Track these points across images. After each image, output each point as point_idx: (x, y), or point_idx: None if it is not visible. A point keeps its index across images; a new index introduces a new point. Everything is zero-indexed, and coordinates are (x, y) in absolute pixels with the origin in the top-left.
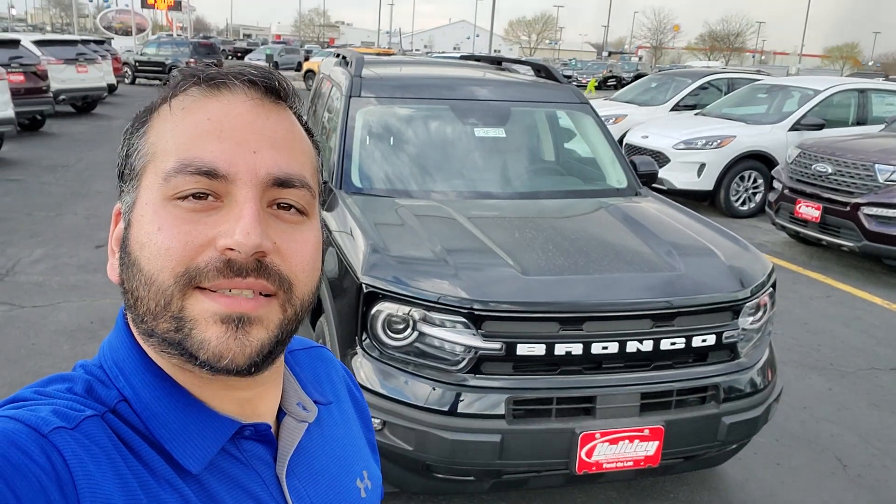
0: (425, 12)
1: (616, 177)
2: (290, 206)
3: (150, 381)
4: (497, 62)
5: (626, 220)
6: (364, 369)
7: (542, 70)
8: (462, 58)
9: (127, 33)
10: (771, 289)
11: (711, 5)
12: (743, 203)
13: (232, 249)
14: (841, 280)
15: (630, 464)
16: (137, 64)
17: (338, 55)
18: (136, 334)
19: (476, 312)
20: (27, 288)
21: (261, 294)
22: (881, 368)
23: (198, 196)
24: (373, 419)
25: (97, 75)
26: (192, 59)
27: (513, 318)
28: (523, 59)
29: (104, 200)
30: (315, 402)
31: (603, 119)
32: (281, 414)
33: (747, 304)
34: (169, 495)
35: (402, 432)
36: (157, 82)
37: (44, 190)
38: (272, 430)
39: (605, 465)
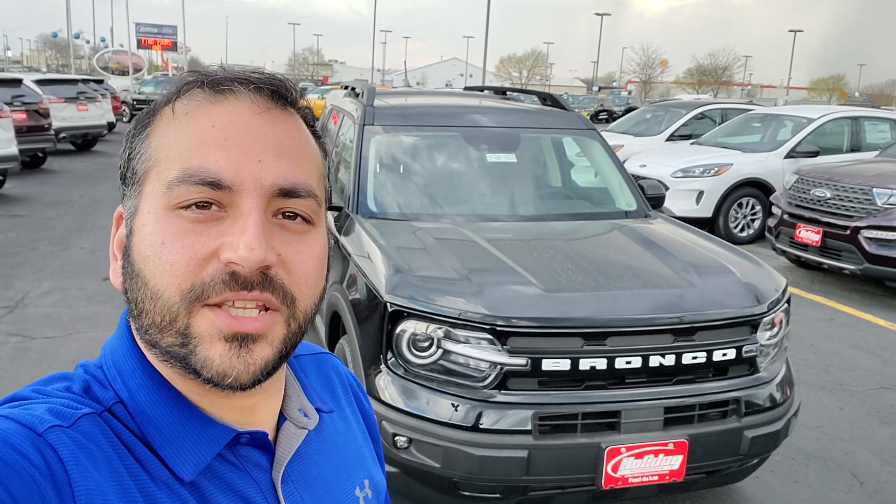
0: (417, 50)
1: (626, 200)
2: (295, 215)
3: (147, 385)
4: (502, 92)
5: (641, 239)
6: (389, 388)
7: (547, 98)
8: (466, 89)
9: (123, 73)
10: (786, 305)
11: (698, 41)
12: (742, 230)
13: (236, 263)
14: (844, 303)
15: (655, 478)
16: (135, 102)
17: (346, 87)
18: (137, 340)
19: (501, 329)
20: (37, 320)
21: (265, 308)
22: (890, 387)
23: (201, 205)
24: (399, 437)
25: (97, 113)
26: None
27: (537, 334)
28: (528, 89)
29: (109, 235)
30: (317, 409)
31: None
32: (282, 419)
33: (764, 320)
34: (166, 497)
35: (428, 449)
36: None
37: (48, 225)
38: (270, 436)
39: (630, 480)
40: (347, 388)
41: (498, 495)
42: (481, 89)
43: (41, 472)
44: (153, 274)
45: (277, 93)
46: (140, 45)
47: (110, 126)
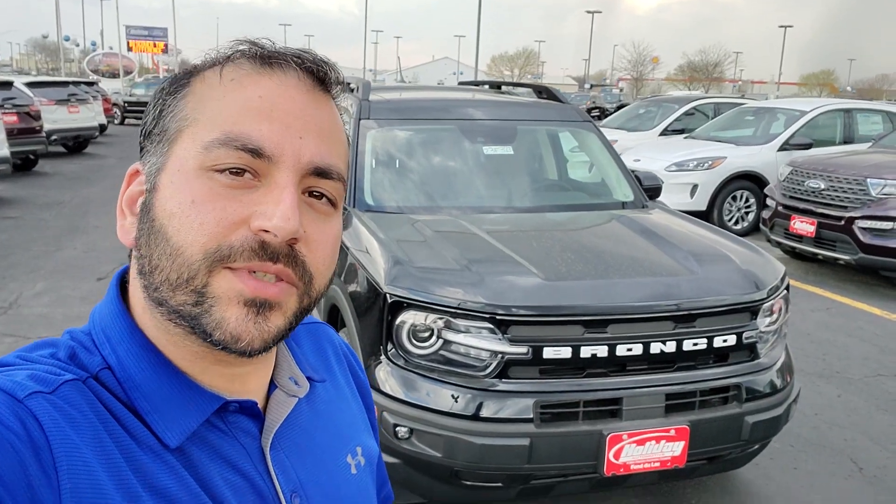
0: (408, 50)
1: (623, 191)
2: (321, 196)
3: (136, 351)
4: (497, 86)
5: (640, 229)
6: (390, 379)
7: (543, 91)
8: (461, 83)
9: (114, 76)
10: (785, 291)
11: (689, 37)
12: (736, 222)
13: (267, 231)
14: (838, 293)
15: (657, 465)
16: (126, 105)
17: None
18: (139, 301)
19: (502, 317)
20: (32, 320)
21: (282, 280)
22: (886, 375)
23: (234, 172)
24: (400, 427)
25: (88, 115)
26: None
27: (538, 323)
28: (523, 82)
29: (102, 235)
30: (308, 378)
31: None
32: (272, 387)
33: (764, 306)
34: (151, 462)
35: (430, 439)
36: None
37: (41, 226)
38: (260, 405)
39: (632, 467)
40: (342, 358)
41: (500, 484)
42: (476, 84)
43: (21, 439)
44: (177, 230)
45: (323, 75)
46: (129, 48)
47: (102, 128)
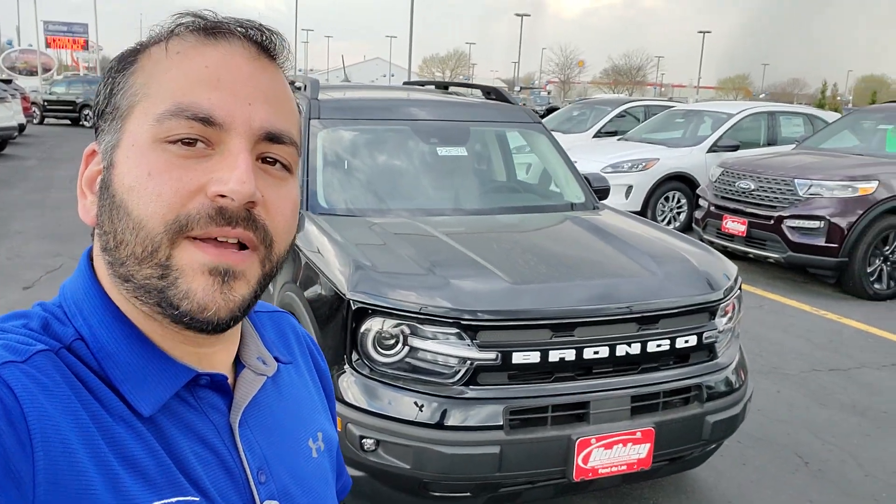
0: (339, 49)
1: (574, 192)
2: (275, 161)
3: (110, 322)
4: (444, 86)
5: (596, 230)
6: (354, 389)
7: (492, 92)
8: (405, 83)
9: (32, 73)
10: (738, 291)
11: (614, 41)
12: (669, 222)
13: (224, 197)
14: (769, 290)
15: (624, 468)
16: (46, 103)
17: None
18: (105, 276)
19: (472, 323)
20: None
21: (244, 247)
22: (821, 370)
23: (187, 142)
24: (366, 439)
25: (7, 115)
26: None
27: (507, 327)
28: (471, 83)
29: (25, 240)
30: (276, 358)
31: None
32: (240, 367)
33: (721, 306)
34: (123, 431)
35: (397, 450)
36: (67, 122)
37: None
38: (228, 381)
39: (600, 471)
40: (303, 345)
41: (468, 494)
42: (422, 84)
43: None
44: (137, 204)
45: (268, 43)
46: (48, 45)
47: (21, 128)
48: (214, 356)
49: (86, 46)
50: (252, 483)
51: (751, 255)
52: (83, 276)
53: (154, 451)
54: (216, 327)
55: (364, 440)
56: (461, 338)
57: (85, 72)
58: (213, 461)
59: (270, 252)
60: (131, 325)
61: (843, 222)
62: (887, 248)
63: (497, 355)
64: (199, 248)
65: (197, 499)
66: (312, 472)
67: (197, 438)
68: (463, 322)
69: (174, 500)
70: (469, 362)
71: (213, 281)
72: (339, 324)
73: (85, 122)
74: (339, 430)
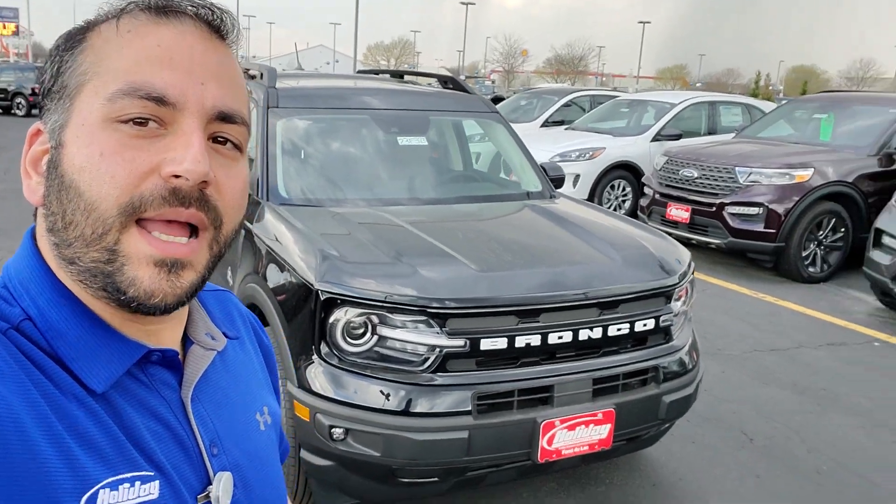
0: (282, 36)
1: (531, 181)
2: (226, 141)
3: (58, 300)
4: (399, 75)
5: (555, 218)
6: (323, 379)
7: (449, 81)
8: (360, 72)
9: None
10: (692, 275)
11: (557, 31)
12: (615, 210)
13: (178, 177)
14: (711, 275)
15: (586, 448)
16: None
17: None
18: (51, 257)
19: (440, 311)
20: None
21: (192, 234)
22: (762, 350)
23: (138, 122)
24: (335, 429)
25: None
26: (38, 85)
27: (476, 315)
28: (428, 72)
29: None
30: (224, 334)
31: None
32: (188, 343)
33: (676, 289)
34: (76, 409)
35: (367, 439)
36: None
37: None
38: (179, 356)
39: (564, 452)
40: (247, 322)
41: (436, 479)
42: (377, 72)
43: None
44: (90, 185)
45: (219, 22)
46: None
47: None
48: (162, 332)
49: (16, 32)
50: (205, 456)
51: (693, 242)
52: (28, 256)
53: (108, 428)
54: (164, 311)
55: (333, 429)
56: (430, 325)
57: (16, 58)
58: (166, 436)
59: (219, 233)
60: (80, 303)
61: (780, 208)
62: (821, 232)
63: (465, 342)
64: (146, 239)
65: (151, 473)
66: (261, 445)
67: (150, 414)
68: (431, 310)
69: (129, 474)
70: (438, 350)
71: (160, 271)
72: (307, 314)
73: (17, 111)
74: (307, 420)
